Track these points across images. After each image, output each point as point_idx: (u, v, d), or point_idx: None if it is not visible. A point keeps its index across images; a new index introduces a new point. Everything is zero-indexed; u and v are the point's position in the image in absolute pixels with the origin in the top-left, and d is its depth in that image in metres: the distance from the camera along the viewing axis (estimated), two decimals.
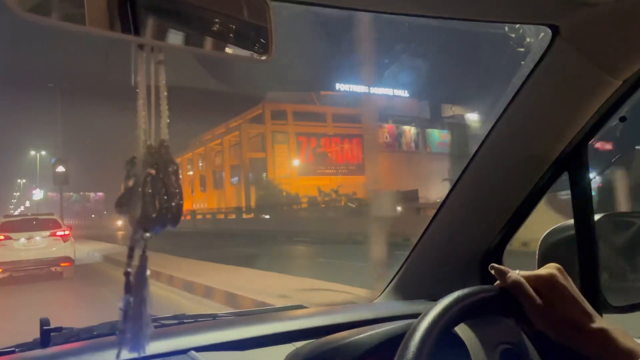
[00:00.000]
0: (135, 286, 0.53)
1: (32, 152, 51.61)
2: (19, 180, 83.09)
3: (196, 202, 51.37)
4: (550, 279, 0.65)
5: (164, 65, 0.51)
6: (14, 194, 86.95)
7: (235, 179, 46.39)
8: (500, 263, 0.93)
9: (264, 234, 24.47)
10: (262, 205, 37.90)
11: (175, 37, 0.53)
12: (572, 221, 0.90)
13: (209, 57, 0.58)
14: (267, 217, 33.78)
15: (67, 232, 10.75)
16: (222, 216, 40.14)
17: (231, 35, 0.57)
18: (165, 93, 0.51)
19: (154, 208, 0.51)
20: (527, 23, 0.79)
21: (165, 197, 0.51)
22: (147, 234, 0.51)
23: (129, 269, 0.53)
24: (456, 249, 1.08)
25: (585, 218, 0.87)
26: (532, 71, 0.82)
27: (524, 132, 0.90)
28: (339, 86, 47.83)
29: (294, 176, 44.62)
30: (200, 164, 52.81)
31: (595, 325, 0.61)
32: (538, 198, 0.97)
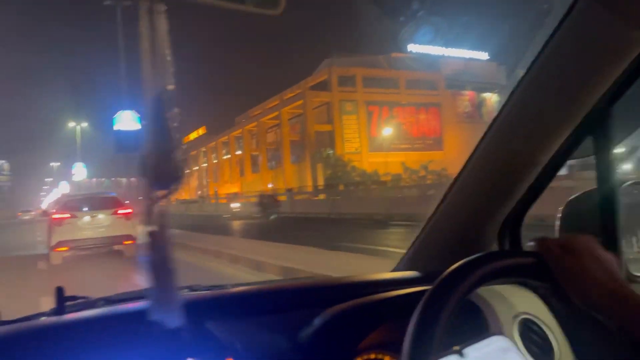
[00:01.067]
0: (160, 245, 0.53)
1: (71, 124, 46.09)
2: (51, 164, 78.99)
3: (247, 185, 45.83)
4: (584, 245, 0.64)
5: (164, 15, 0.51)
6: (45, 179, 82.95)
7: (296, 156, 40.57)
8: (519, 232, 1.01)
9: (365, 219, 18.66)
10: (334, 185, 32.06)
11: None
12: (595, 188, 0.87)
13: (216, 8, 0.56)
14: (339, 197, 27.81)
15: (130, 211, 10.26)
16: (284, 198, 34.44)
17: None
18: (167, 43, 0.50)
19: (157, 161, 0.49)
20: None
21: (165, 149, 0.49)
22: (162, 192, 0.50)
23: (153, 228, 0.52)
24: (474, 218, 1.05)
25: (609, 185, 0.84)
26: (556, 29, 0.78)
27: (546, 95, 0.86)
28: (412, 47, 41.42)
29: (364, 151, 38.63)
30: (253, 142, 47.16)
31: (629, 293, 0.59)
32: (560, 164, 0.94)
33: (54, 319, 0.83)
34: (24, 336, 0.77)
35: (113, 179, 78.61)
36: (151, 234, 0.53)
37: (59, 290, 0.90)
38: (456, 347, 0.62)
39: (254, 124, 45.59)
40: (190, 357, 0.72)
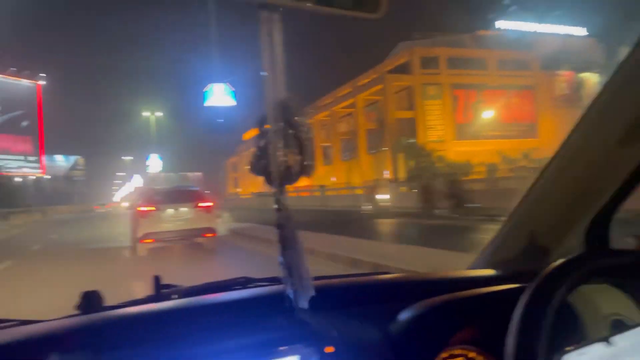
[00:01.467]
0: (291, 239, 0.56)
1: (145, 114, 45.76)
2: (122, 157, 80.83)
3: (318, 178, 43.59)
4: None
5: (281, 23, 0.53)
6: (117, 173, 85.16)
7: (373, 146, 37.77)
8: (607, 230, 0.97)
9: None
10: (419, 177, 28.94)
11: None
12: None
13: (323, 13, 0.57)
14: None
15: (211, 204, 10.52)
16: (359, 192, 31.68)
17: None
18: (281, 50, 0.53)
19: (287, 160, 0.52)
20: None
21: (297, 149, 0.52)
22: (285, 187, 0.53)
23: (282, 222, 0.56)
24: (562, 215, 1.00)
25: None
26: None
27: None
28: (500, 24, 37.36)
29: (448, 139, 35.17)
30: (322, 132, 44.86)
31: None
32: None
33: (155, 305, 0.88)
34: (132, 320, 0.82)
35: (181, 173, 79.49)
36: (280, 227, 0.55)
37: (157, 279, 0.96)
38: (568, 348, 0.59)
39: (326, 113, 43.19)
40: (290, 345, 0.75)
